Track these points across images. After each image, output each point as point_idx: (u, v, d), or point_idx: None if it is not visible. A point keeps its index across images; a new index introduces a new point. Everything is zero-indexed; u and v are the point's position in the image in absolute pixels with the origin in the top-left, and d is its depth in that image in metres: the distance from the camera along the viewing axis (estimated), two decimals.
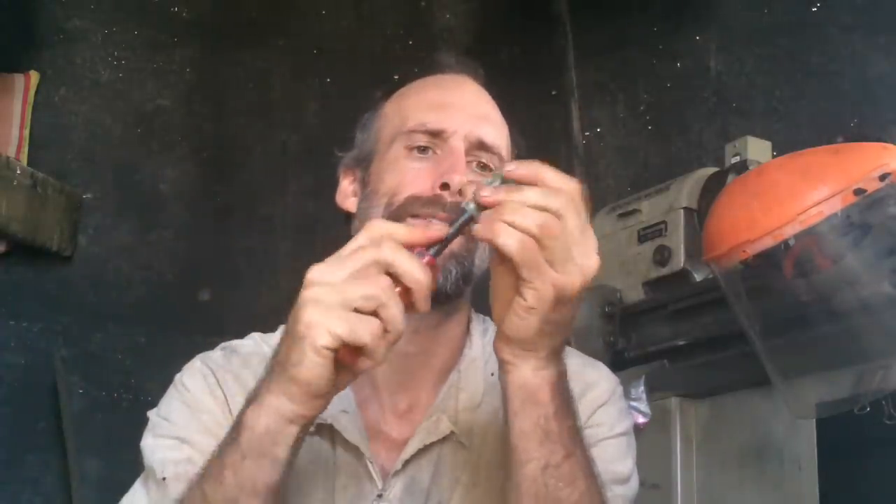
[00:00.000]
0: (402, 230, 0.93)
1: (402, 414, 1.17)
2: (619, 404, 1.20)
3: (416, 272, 0.90)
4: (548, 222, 0.89)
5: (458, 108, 1.17)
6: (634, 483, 1.17)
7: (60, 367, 2.33)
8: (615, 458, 1.13)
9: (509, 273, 0.94)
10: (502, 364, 0.99)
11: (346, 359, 0.90)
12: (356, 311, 0.88)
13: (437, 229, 0.96)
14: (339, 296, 0.89)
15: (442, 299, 1.13)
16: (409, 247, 0.92)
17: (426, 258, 0.93)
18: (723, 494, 1.91)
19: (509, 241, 0.90)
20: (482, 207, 0.93)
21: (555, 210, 0.90)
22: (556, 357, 0.98)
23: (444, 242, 0.95)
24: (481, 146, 1.16)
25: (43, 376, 2.33)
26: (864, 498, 1.75)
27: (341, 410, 1.14)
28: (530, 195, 0.90)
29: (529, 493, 0.98)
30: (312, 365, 0.89)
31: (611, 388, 1.20)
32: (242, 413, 0.96)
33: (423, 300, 0.91)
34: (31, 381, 2.32)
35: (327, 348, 0.88)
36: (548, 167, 0.93)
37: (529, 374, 0.98)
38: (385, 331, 0.89)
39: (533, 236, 0.89)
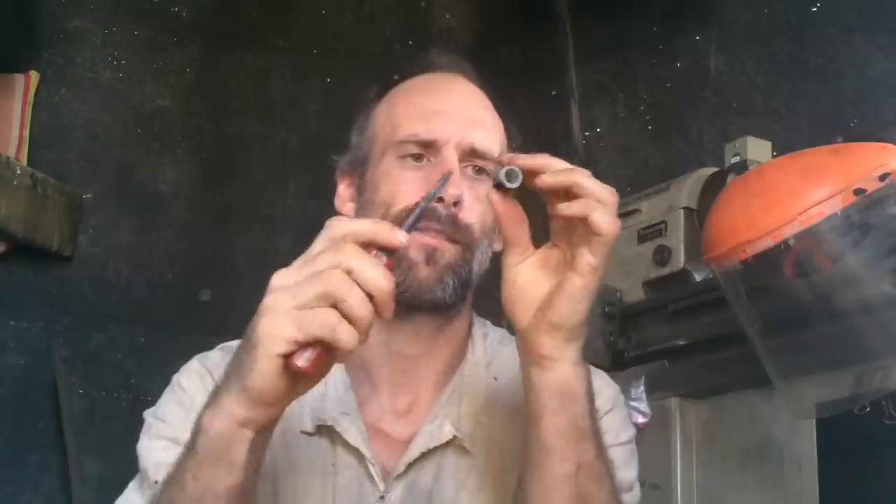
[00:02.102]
0: (365, 226, 0.90)
1: (402, 414, 1.17)
2: (623, 412, 1.21)
3: (378, 280, 0.86)
4: (604, 192, 0.93)
5: (449, 115, 1.17)
6: (637, 491, 1.18)
7: (60, 367, 2.33)
8: (620, 465, 1.12)
9: (543, 264, 0.97)
10: (541, 361, 0.98)
11: (320, 360, 0.86)
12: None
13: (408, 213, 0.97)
14: (292, 299, 0.86)
15: (442, 309, 1.14)
16: (374, 245, 0.89)
17: (384, 260, 0.89)
18: (723, 494, 1.91)
19: (605, 217, 0.92)
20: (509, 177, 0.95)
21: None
22: (581, 341, 0.99)
23: (414, 217, 0.95)
24: (474, 153, 1.16)
25: (43, 376, 2.33)
26: (864, 498, 1.75)
27: (342, 412, 1.14)
28: (580, 173, 0.94)
29: (564, 493, 0.98)
30: (264, 374, 0.87)
31: (613, 395, 1.20)
32: (200, 416, 0.94)
33: (386, 308, 0.87)
34: (31, 381, 2.32)
35: (280, 355, 0.86)
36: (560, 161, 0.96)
37: (569, 369, 0.98)
38: (350, 321, 0.85)
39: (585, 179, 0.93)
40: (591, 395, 1.01)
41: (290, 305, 0.86)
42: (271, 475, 1.11)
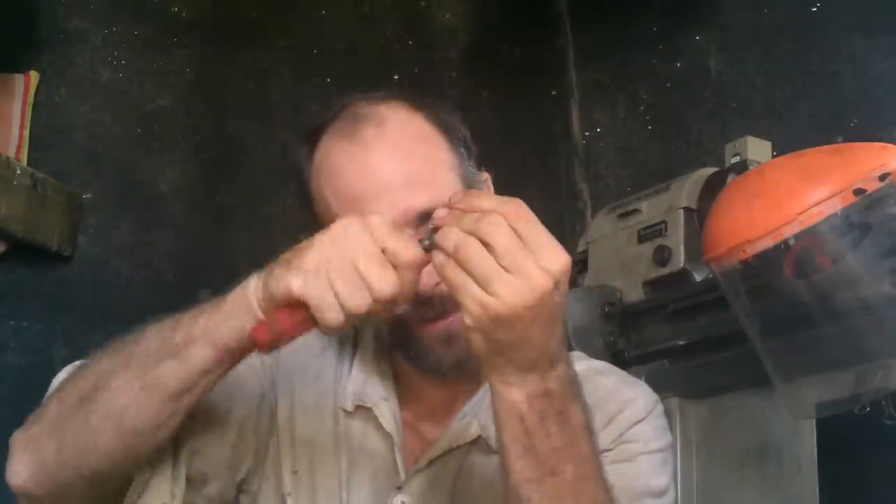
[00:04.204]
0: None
1: (439, 417, 1.21)
2: (656, 422, 1.23)
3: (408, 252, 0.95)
4: (465, 242, 0.91)
5: (379, 196, 1.13)
6: (670, 497, 1.20)
7: (60, 367, 2.32)
8: (649, 472, 1.17)
9: None
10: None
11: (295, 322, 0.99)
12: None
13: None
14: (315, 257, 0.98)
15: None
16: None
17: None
18: (723, 494, 1.91)
19: (437, 259, 0.94)
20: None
21: (481, 232, 0.91)
22: (536, 372, 0.96)
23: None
24: (417, 218, 1.12)
25: (43, 376, 2.32)
26: (864, 498, 1.75)
27: (382, 398, 1.18)
28: (464, 221, 0.93)
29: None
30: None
31: (648, 406, 1.23)
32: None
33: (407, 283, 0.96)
34: (31, 381, 2.32)
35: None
36: (482, 194, 0.97)
37: (502, 386, 0.97)
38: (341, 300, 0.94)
39: (451, 256, 0.92)
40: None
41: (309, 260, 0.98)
42: (335, 448, 1.16)
